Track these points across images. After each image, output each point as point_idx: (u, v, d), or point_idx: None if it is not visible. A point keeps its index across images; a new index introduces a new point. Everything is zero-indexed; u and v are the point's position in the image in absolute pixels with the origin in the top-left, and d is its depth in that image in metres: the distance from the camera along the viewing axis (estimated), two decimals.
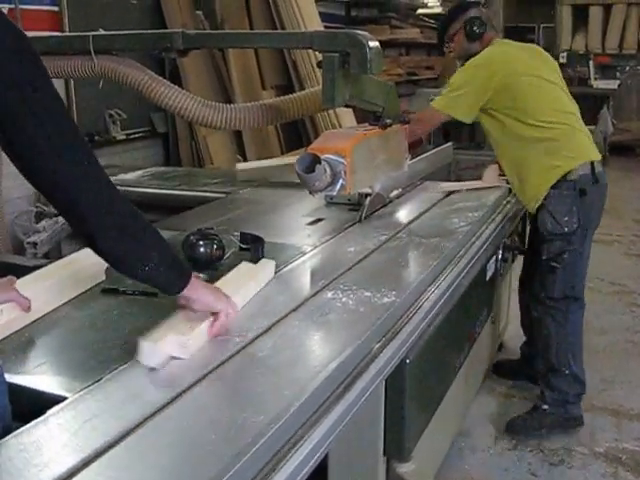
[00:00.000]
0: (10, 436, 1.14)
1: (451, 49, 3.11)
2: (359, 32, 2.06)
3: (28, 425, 1.17)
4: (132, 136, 4.98)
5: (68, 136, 1.21)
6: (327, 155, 2.17)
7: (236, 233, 2.15)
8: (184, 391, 1.28)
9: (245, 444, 1.11)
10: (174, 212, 2.83)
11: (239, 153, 5.37)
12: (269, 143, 5.64)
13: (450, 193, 2.98)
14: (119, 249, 1.30)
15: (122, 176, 3.63)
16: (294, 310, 1.68)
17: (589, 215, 2.87)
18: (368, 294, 1.77)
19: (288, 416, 1.21)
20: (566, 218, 2.81)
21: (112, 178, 3.75)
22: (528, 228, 3.41)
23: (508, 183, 3.06)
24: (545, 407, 3.01)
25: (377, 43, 2.08)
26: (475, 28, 3.00)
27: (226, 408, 1.25)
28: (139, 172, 3.76)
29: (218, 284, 1.66)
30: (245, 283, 1.76)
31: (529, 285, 3.14)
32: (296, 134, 6.00)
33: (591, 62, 9.68)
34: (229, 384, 1.34)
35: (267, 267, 1.89)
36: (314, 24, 5.76)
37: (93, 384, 1.32)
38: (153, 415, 1.20)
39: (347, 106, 2.40)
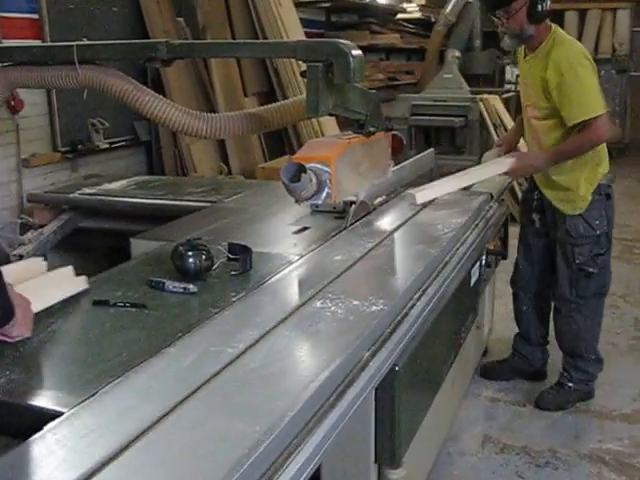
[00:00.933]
0: (9, 453, 1.14)
1: (504, 24, 2.90)
2: (342, 41, 2.08)
3: (26, 442, 1.17)
4: (115, 145, 4.96)
5: None
6: (312, 164, 2.19)
7: (224, 243, 2.15)
8: (179, 403, 1.29)
9: (242, 455, 1.12)
10: (160, 222, 2.83)
11: (222, 161, 5.37)
12: (252, 151, 5.65)
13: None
14: None
15: (106, 186, 3.62)
16: (284, 320, 1.69)
17: (613, 217, 3.07)
18: (356, 303, 1.79)
19: (283, 426, 1.22)
20: (597, 221, 2.99)
21: (96, 188, 3.73)
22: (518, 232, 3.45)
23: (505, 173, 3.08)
24: (570, 385, 3.23)
25: (360, 52, 2.09)
26: (542, 9, 2.84)
27: (221, 420, 1.25)
28: (123, 181, 3.75)
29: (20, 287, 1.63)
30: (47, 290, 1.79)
31: (528, 286, 3.25)
32: (279, 142, 6.01)
33: None
34: (223, 396, 1.34)
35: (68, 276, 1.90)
36: (295, 31, 5.79)
37: (89, 398, 1.32)
38: (148, 429, 1.20)
39: (330, 114, 2.41)
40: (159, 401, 1.30)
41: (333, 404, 1.42)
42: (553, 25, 3.00)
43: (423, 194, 2.81)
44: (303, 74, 2.14)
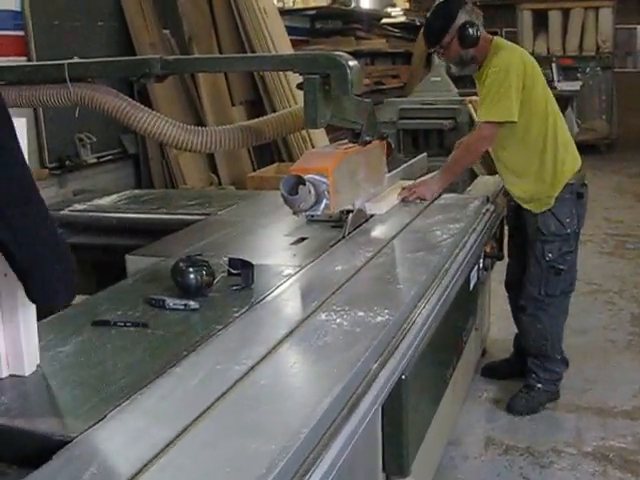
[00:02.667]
0: None
1: (444, 55, 3.03)
2: (339, 53, 2.09)
3: (36, 472, 1.15)
4: (103, 159, 4.94)
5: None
6: (310, 175, 2.20)
7: (225, 258, 2.14)
8: (190, 424, 1.27)
9: (259, 476, 1.11)
10: (153, 236, 2.80)
11: (211, 171, 5.36)
12: (241, 160, 5.64)
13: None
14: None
15: (97, 201, 3.59)
16: (289, 334, 1.68)
17: (583, 216, 3.11)
18: (361, 314, 1.78)
19: (299, 444, 1.21)
20: (568, 219, 3.03)
21: (87, 204, 3.68)
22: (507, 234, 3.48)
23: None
24: (539, 386, 3.25)
25: (356, 63, 2.10)
26: (470, 34, 2.89)
27: (235, 440, 1.23)
28: (114, 196, 3.72)
29: None
30: None
31: (518, 286, 3.25)
32: (267, 150, 6.01)
33: (554, 65, 9.86)
34: (234, 415, 1.32)
35: None
36: (281, 39, 5.80)
37: (97, 423, 1.30)
38: (160, 453, 1.18)
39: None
40: (169, 423, 1.28)
41: (346, 417, 1.41)
42: (494, 37, 3.06)
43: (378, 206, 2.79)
44: (299, 86, 2.14)
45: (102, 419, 1.31)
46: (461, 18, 2.91)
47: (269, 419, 1.30)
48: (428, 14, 3.13)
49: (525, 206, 3.12)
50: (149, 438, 1.23)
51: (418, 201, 2.89)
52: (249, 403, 1.36)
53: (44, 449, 1.22)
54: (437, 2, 3.04)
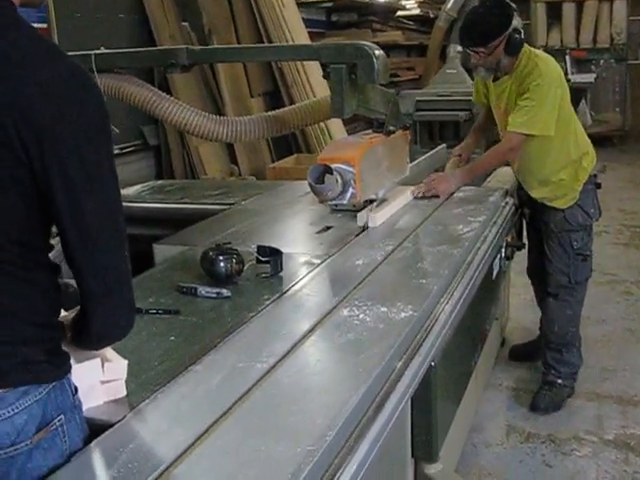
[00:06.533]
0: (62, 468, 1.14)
1: (482, 58, 2.84)
2: (365, 43, 2.11)
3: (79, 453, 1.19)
4: (124, 150, 4.99)
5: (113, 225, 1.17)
6: (337, 165, 2.22)
7: (253, 246, 2.17)
8: (211, 425, 1.24)
9: None
10: (178, 226, 2.84)
11: (231, 162, 5.40)
12: (261, 151, 5.68)
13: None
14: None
15: (121, 192, 3.63)
16: (312, 331, 1.65)
17: (600, 205, 3.15)
18: (384, 309, 1.75)
19: (325, 446, 1.17)
20: (592, 210, 3.09)
21: None
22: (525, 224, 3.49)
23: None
24: (560, 381, 3.24)
25: (382, 52, 2.13)
26: (518, 42, 2.78)
27: (259, 443, 1.18)
28: (138, 187, 3.77)
29: None
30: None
31: (541, 274, 3.27)
32: (285, 142, 6.04)
33: (567, 57, 9.82)
34: (257, 416, 1.29)
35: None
36: (299, 31, 5.81)
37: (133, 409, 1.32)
38: (182, 456, 1.16)
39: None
40: (190, 424, 1.25)
41: (373, 417, 1.38)
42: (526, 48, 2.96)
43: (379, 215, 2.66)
44: (325, 76, 2.16)
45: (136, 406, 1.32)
46: (514, 23, 2.80)
47: (294, 420, 1.26)
48: (474, 10, 3.00)
49: (550, 204, 3.11)
50: (169, 440, 1.21)
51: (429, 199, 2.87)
52: (272, 404, 1.32)
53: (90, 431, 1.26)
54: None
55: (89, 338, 1.26)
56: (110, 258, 1.17)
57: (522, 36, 2.81)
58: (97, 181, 1.12)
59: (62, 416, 1.17)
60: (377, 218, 2.50)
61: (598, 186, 3.16)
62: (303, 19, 6.43)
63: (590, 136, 3.23)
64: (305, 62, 5.39)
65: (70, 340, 1.29)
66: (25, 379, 1.12)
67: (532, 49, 2.98)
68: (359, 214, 2.50)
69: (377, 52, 2.07)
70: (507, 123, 2.94)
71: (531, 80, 2.83)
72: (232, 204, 3.15)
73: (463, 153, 3.32)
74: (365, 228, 2.51)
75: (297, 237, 2.57)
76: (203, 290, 1.94)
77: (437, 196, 2.90)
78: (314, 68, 5.14)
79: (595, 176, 3.15)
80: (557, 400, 3.22)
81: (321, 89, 4.95)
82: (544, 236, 3.20)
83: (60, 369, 1.19)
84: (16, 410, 1.11)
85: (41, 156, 1.07)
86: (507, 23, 2.77)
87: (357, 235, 2.45)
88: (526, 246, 3.44)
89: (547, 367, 3.28)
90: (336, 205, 2.70)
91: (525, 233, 3.52)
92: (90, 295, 1.18)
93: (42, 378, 1.15)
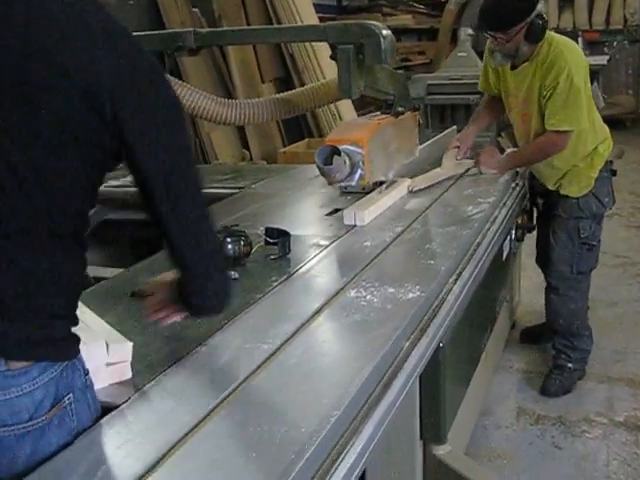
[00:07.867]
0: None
1: (500, 44, 2.73)
2: (371, 22, 2.11)
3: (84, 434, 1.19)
4: None
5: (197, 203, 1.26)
6: (345, 146, 2.22)
7: (261, 228, 2.17)
8: (216, 406, 1.24)
9: (289, 461, 1.07)
10: None
11: (242, 147, 5.41)
12: (272, 136, 5.68)
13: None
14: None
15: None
16: (319, 312, 1.65)
17: (614, 193, 3.06)
18: (392, 290, 1.74)
19: (330, 427, 1.17)
20: (607, 199, 3.00)
21: (123, 179, 3.70)
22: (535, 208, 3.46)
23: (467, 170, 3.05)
24: (570, 365, 3.21)
25: (390, 32, 2.11)
26: (540, 29, 2.66)
27: (264, 423, 1.18)
28: None
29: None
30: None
31: (547, 265, 3.21)
32: (296, 125, 6.03)
33: (580, 39, 9.71)
34: (262, 396, 1.29)
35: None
36: (309, 16, 5.79)
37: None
38: (186, 436, 1.16)
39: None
40: (195, 405, 1.25)
41: (380, 396, 1.38)
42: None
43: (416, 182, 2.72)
44: (332, 57, 2.16)
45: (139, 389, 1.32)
46: (538, 8, 2.66)
47: (299, 400, 1.26)
48: None
49: (564, 192, 3.03)
50: (175, 421, 1.20)
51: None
52: (278, 383, 1.32)
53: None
54: None
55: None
56: (201, 225, 1.27)
57: (544, 23, 2.68)
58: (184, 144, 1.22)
59: (71, 395, 1.18)
60: (365, 216, 2.32)
61: (614, 173, 3.07)
62: (314, 4, 6.41)
63: (602, 119, 3.16)
64: (316, 47, 5.38)
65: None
66: (50, 354, 1.13)
67: (552, 33, 2.85)
68: (345, 211, 2.34)
69: (384, 32, 2.06)
70: (525, 112, 2.89)
71: (559, 71, 2.71)
72: (242, 188, 3.16)
73: (462, 144, 3.14)
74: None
75: (306, 219, 2.57)
76: None
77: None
78: (325, 53, 5.12)
79: (611, 162, 3.07)
80: (567, 384, 3.20)
81: (332, 74, 4.92)
82: (551, 222, 3.11)
83: (74, 348, 1.20)
84: (36, 385, 1.12)
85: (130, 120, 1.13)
86: (530, 8, 2.63)
87: None
88: (535, 228, 3.42)
89: (557, 352, 3.25)
90: (345, 187, 2.70)
91: (535, 221, 3.47)
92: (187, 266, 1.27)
93: (61, 355, 1.16)
